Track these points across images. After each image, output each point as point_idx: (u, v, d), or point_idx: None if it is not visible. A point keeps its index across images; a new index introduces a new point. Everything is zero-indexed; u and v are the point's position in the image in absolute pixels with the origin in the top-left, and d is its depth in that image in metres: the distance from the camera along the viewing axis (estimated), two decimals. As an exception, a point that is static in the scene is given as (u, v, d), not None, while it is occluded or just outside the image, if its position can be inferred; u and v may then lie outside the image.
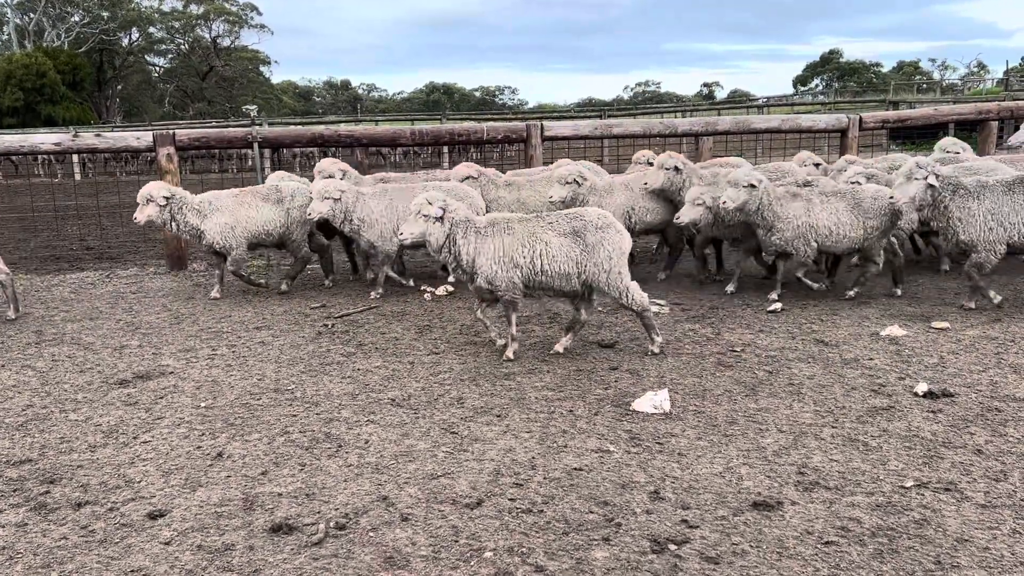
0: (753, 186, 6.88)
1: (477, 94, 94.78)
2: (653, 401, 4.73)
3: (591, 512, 3.53)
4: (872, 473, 3.84)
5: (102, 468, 4.10)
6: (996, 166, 7.88)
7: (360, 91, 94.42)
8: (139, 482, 3.93)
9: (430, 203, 5.61)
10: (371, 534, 3.39)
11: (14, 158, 26.15)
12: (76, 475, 4.03)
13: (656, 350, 5.76)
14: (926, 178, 6.34)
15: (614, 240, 5.63)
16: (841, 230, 6.92)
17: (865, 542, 3.24)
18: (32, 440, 4.48)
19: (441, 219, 5.60)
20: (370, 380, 5.38)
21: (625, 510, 3.54)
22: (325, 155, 28.56)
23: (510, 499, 3.67)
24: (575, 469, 3.95)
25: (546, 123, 10.64)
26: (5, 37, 58.46)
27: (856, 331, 6.20)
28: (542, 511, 3.55)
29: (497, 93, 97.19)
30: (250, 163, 29.33)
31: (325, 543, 3.32)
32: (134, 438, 4.49)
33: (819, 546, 3.22)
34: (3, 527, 3.50)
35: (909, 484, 3.71)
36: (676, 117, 27.97)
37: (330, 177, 8.08)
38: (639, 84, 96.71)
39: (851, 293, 7.23)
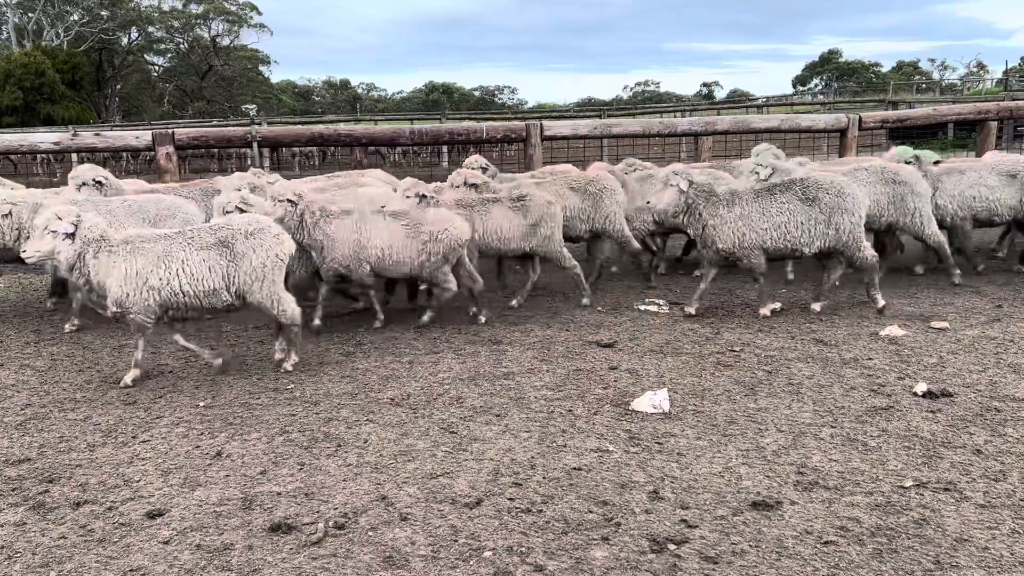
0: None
1: (477, 94, 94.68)
2: (652, 401, 4.73)
3: (590, 512, 3.53)
4: (871, 473, 3.84)
5: (101, 467, 4.10)
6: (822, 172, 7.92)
7: (359, 91, 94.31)
8: (138, 481, 3.93)
9: (60, 218, 5.18)
10: (370, 534, 3.39)
11: (12, 157, 26.12)
12: (75, 474, 4.02)
13: (289, 367, 5.54)
14: (678, 184, 6.42)
15: (267, 247, 5.36)
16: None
17: (864, 542, 3.24)
18: (31, 439, 4.48)
19: (72, 236, 5.20)
20: (369, 380, 5.38)
21: (624, 510, 3.54)
22: (324, 155, 28.58)
23: (509, 499, 3.67)
24: (574, 469, 3.95)
25: (545, 123, 10.64)
26: (4, 36, 58.37)
27: (855, 331, 6.20)
28: (541, 511, 3.55)
29: (497, 93, 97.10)
30: (249, 162, 29.34)
31: (324, 543, 3.32)
32: (133, 437, 4.48)
33: (818, 546, 3.22)
34: (2, 526, 3.50)
35: (908, 484, 3.71)
36: (675, 117, 27.96)
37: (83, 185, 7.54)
38: (639, 84, 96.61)
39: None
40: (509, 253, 7.19)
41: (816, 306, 6.80)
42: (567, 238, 7.48)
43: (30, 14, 56.91)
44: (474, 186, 7.44)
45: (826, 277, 6.81)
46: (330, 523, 3.46)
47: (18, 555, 3.27)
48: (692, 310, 6.79)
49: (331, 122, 31.47)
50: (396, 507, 3.60)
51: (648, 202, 6.70)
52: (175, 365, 5.79)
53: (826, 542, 3.25)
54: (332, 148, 22.19)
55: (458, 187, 7.46)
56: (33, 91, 48.71)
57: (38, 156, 26.06)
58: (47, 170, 27.63)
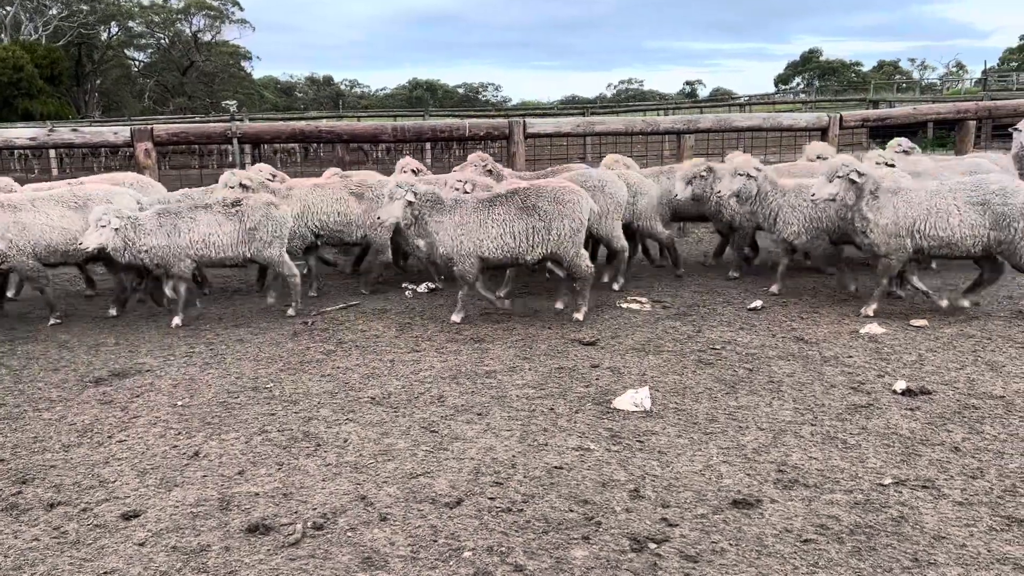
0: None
1: (461, 91, 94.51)
2: (634, 399, 4.72)
3: (571, 511, 3.51)
4: (851, 471, 3.85)
5: (76, 468, 4.04)
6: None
7: (343, 87, 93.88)
8: (113, 482, 3.87)
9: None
10: (349, 534, 3.36)
11: (-9, 152, 25.75)
12: (49, 475, 3.96)
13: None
14: (404, 196, 6.39)
15: None
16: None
17: (843, 540, 3.25)
18: (4, 439, 4.41)
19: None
20: (350, 378, 5.34)
21: (605, 508, 3.53)
22: (306, 152, 28.40)
23: (490, 498, 3.65)
24: (555, 467, 3.94)
25: (529, 120, 10.62)
26: (-19, 31, 57.62)
27: (836, 329, 6.23)
28: (522, 510, 3.53)
29: (480, 90, 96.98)
30: (230, 159, 29.12)
31: (302, 543, 3.29)
32: (109, 437, 4.42)
33: (798, 544, 3.23)
34: (-27, 529, 3.44)
35: (887, 482, 3.72)
36: (658, 115, 28.02)
37: None
38: (622, 82, 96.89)
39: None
40: (226, 262, 6.96)
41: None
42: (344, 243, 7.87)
43: (7, 8, 56.19)
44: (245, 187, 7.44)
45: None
46: (308, 524, 3.43)
47: (-11, 558, 3.22)
48: (456, 319, 6.70)
49: (313, 118, 31.29)
50: (376, 507, 3.57)
51: (379, 217, 6.59)
52: (153, 364, 5.72)
53: (806, 540, 3.25)
54: (314, 145, 22.04)
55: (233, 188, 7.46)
56: (11, 86, 48.12)
57: (15, 152, 25.69)
58: (24, 166, 27.28)
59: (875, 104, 28.02)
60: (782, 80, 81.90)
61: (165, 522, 3.48)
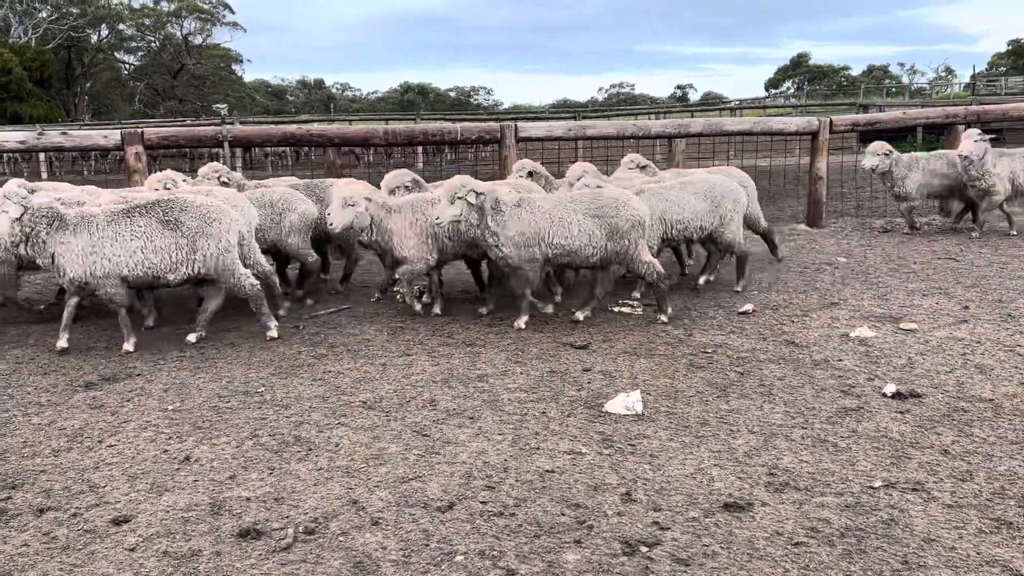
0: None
1: (452, 94, 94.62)
2: (625, 402, 4.73)
3: (563, 514, 3.52)
4: (841, 474, 3.87)
5: (66, 473, 4.02)
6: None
7: (334, 90, 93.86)
8: (104, 487, 3.85)
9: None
10: (341, 539, 3.35)
11: (-21, 156, 25.60)
12: (38, 480, 3.94)
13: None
14: (8, 211, 5.75)
15: None
16: None
17: (834, 543, 3.27)
18: (-7, 445, 4.38)
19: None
20: (341, 382, 5.33)
21: (597, 512, 3.54)
22: (298, 155, 28.34)
23: (482, 502, 3.65)
24: (547, 471, 3.94)
25: (520, 124, 10.63)
26: (-30, 33, 57.33)
27: (826, 332, 6.26)
28: (514, 514, 3.53)
29: (472, 93, 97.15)
30: (221, 162, 29.02)
31: (294, 548, 3.28)
32: (99, 442, 4.40)
33: (789, 547, 3.24)
34: (-39, 535, 3.41)
35: (877, 484, 3.74)
36: (649, 119, 28.11)
37: None
38: (613, 85, 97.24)
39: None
40: None
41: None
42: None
43: (-4, 10, 55.96)
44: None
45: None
46: (300, 528, 3.42)
47: (-22, 564, 3.20)
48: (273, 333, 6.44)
49: (304, 122, 31.24)
50: (367, 511, 3.57)
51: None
52: (144, 368, 5.70)
53: (796, 543, 3.27)
54: (305, 149, 22.01)
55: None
56: (1, 89, 47.88)
57: (4, 155, 25.55)
58: (13, 169, 27.13)
59: (865, 108, 28.19)
60: (772, 84, 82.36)
61: (156, 527, 3.46)
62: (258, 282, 6.41)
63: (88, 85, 62.19)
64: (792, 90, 75.24)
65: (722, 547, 3.25)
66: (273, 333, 6.42)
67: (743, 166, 10.46)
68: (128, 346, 6.16)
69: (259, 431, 4.51)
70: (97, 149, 11.12)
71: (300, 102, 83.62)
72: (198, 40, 66.26)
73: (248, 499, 3.70)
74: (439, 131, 10.71)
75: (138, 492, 3.80)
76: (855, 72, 77.03)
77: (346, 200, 6.70)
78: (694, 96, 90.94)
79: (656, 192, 7.26)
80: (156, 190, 7.11)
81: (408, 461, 4.09)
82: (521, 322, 6.60)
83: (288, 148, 25.73)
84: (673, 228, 7.26)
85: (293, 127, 10.66)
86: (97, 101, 62.51)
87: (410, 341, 6.29)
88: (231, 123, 21.36)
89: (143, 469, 4.05)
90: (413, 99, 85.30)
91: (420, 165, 25.91)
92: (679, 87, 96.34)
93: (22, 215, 5.77)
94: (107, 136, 9.61)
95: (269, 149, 25.72)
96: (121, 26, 62.26)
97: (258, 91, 76.79)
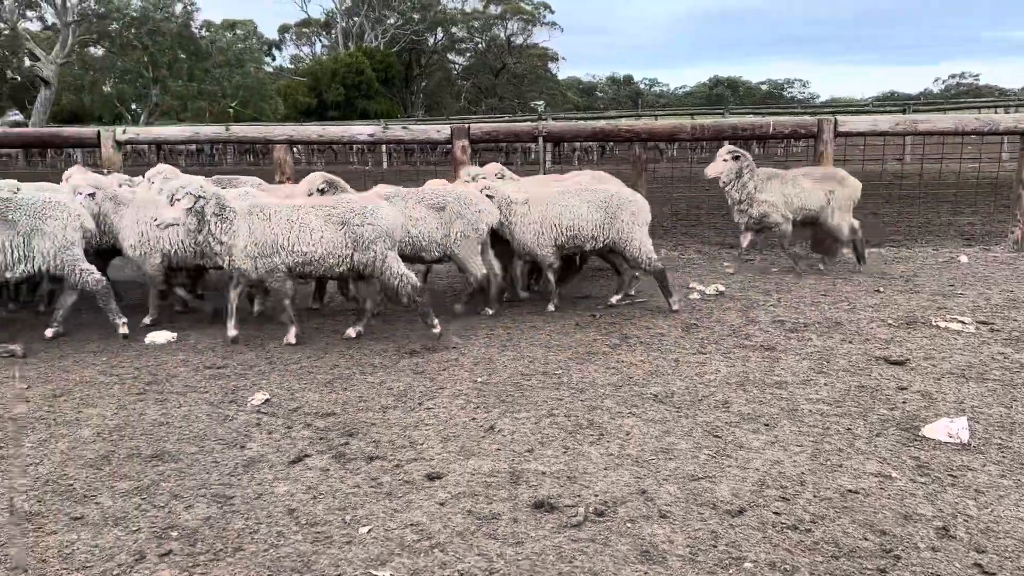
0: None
1: (764, 87, 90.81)
2: (949, 428, 4.24)
3: (865, 539, 3.26)
4: None
5: (391, 428, 4.54)
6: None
7: (642, 86, 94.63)
8: (421, 444, 4.30)
9: None
10: (628, 525, 3.42)
11: (335, 147, 29.71)
12: (370, 432, 4.50)
13: None
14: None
15: None
16: None
17: None
18: (337, 396, 5.08)
19: None
20: (633, 373, 5.41)
21: (906, 543, 3.23)
22: (603, 150, 29.08)
23: (775, 512, 3.50)
24: (849, 491, 3.67)
25: (840, 117, 9.92)
26: (333, 39, 66.46)
27: None
28: (810, 530, 3.34)
29: (786, 86, 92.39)
30: (532, 156, 30.72)
31: (584, 527, 3.41)
32: (419, 404, 4.91)
33: None
34: (311, 470, 4.01)
35: None
36: (996, 112, 24.65)
37: None
38: (952, 76, 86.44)
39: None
40: None
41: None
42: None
43: (355, 18, 64.21)
44: None
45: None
46: (590, 509, 3.55)
47: (321, 496, 3.74)
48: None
49: (612, 118, 31.95)
50: (655, 503, 3.60)
51: None
52: (458, 342, 6.23)
53: None
54: (610, 143, 22.53)
55: None
56: (353, 88, 55.00)
57: (353, 146, 29.35)
58: (360, 159, 31.14)
59: None
60: None
61: (462, 487, 3.79)
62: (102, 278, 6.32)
63: (423, 84, 69.06)
64: None
65: (1063, 609, 2.80)
66: (124, 330, 6.35)
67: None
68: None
69: (556, 411, 4.73)
70: (431, 143, 12.33)
71: (608, 98, 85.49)
72: (519, 40, 70.52)
73: (543, 473, 3.91)
74: (750, 126, 10.32)
75: (449, 453, 4.18)
76: None
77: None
78: (1057, 86, 77.87)
79: None
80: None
81: (698, 460, 4.05)
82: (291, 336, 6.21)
83: (593, 143, 26.49)
84: None
85: (602, 123, 10.97)
86: (429, 98, 69.23)
87: (704, 340, 6.20)
88: (545, 119, 22.50)
89: (454, 433, 4.45)
90: (722, 93, 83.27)
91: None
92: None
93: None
94: (439, 131, 10.61)
95: (577, 144, 26.68)
96: (454, 29, 68.23)
97: (570, 88, 79.84)
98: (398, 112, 57.09)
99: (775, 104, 67.71)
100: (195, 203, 5.82)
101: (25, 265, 6.11)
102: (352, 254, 6.02)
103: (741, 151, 8.40)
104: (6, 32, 43.28)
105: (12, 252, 6.04)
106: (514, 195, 7.10)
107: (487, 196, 6.94)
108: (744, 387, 5.10)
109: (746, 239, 8.76)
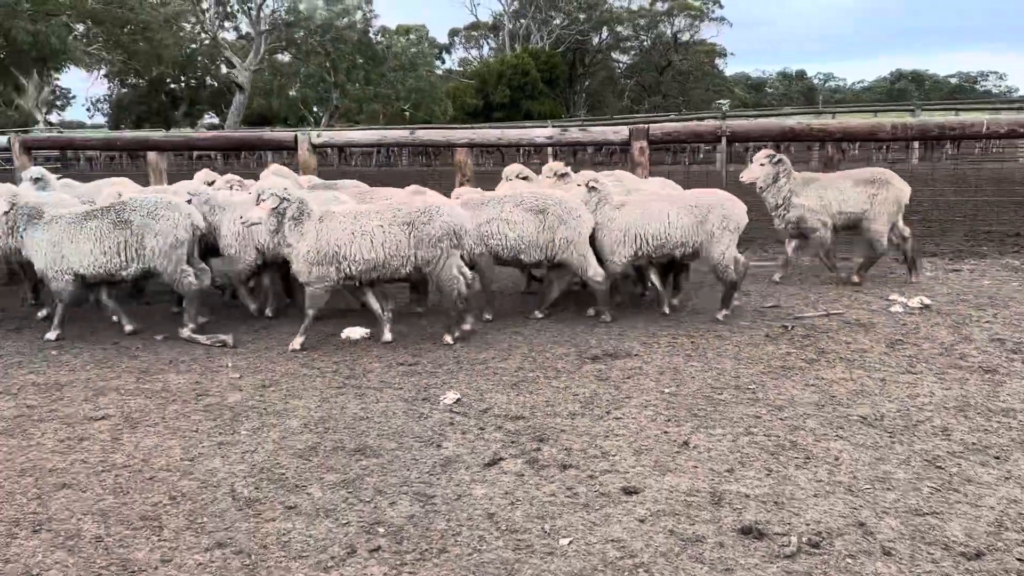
0: None
1: (953, 80, 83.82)
2: None
3: None
4: None
5: (580, 436, 4.48)
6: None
7: (815, 81, 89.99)
8: (614, 455, 4.21)
9: None
10: (848, 561, 3.17)
11: (503, 149, 30.26)
12: (560, 438, 4.45)
13: None
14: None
15: None
16: None
17: None
18: (525, 400, 5.08)
19: None
20: (836, 391, 5.06)
21: None
22: (777, 148, 27.78)
23: (1018, 559, 3.14)
24: (1110, 543, 3.23)
25: (1066, 115, 8.91)
26: (500, 41, 67.79)
27: None
28: (1065, 585, 2.97)
29: (979, 79, 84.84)
30: (701, 156, 29.91)
31: (797, 558, 3.20)
32: (607, 412, 4.82)
33: None
34: (507, 474, 4.02)
35: None
36: None
37: None
38: None
39: None
40: None
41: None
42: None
43: (522, 20, 65.17)
44: None
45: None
46: (803, 539, 3.32)
47: (519, 503, 3.73)
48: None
49: (796, 113, 30.58)
50: (876, 538, 3.32)
51: None
52: (640, 349, 6.10)
53: None
54: (788, 144, 21.43)
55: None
56: (518, 89, 55.84)
57: (520, 148, 29.72)
58: (526, 161, 31.65)
59: None
60: None
61: (661, 504, 3.67)
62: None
63: (586, 83, 69.01)
64: None
65: None
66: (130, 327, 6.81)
67: None
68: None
69: (754, 428, 4.50)
70: (608, 144, 12.21)
71: (779, 94, 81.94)
72: (685, 37, 68.94)
73: (747, 496, 3.71)
74: (960, 124, 9.46)
75: (643, 467, 4.07)
76: None
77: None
78: None
79: None
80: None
81: (921, 492, 3.71)
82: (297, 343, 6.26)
83: (770, 141, 25.39)
84: None
85: (792, 122, 10.39)
86: (592, 98, 69.06)
87: (912, 358, 5.72)
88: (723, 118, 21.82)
89: (646, 446, 4.33)
90: (905, 88, 77.64)
91: (915, 160, 23.55)
92: None
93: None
94: (617, 132, 10.46)
95: (751, 144, 25.66)
96: (619, 28, 67.68)
97: (737, 84, 77.17)
98: (561, 112, 57.36)
99: (965, 98, 62.29)
100: (279, 204, 6.05)
101: (138, 264, 6.44)
102: (416, 253, 6.11)
103: (779, 155, 8.20)
104: (207, 42, 47.41)
105: (127, 251, 6.39)
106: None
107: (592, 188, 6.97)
108: (965, 413, 4.64)
109: (790, 246, 8.53)
